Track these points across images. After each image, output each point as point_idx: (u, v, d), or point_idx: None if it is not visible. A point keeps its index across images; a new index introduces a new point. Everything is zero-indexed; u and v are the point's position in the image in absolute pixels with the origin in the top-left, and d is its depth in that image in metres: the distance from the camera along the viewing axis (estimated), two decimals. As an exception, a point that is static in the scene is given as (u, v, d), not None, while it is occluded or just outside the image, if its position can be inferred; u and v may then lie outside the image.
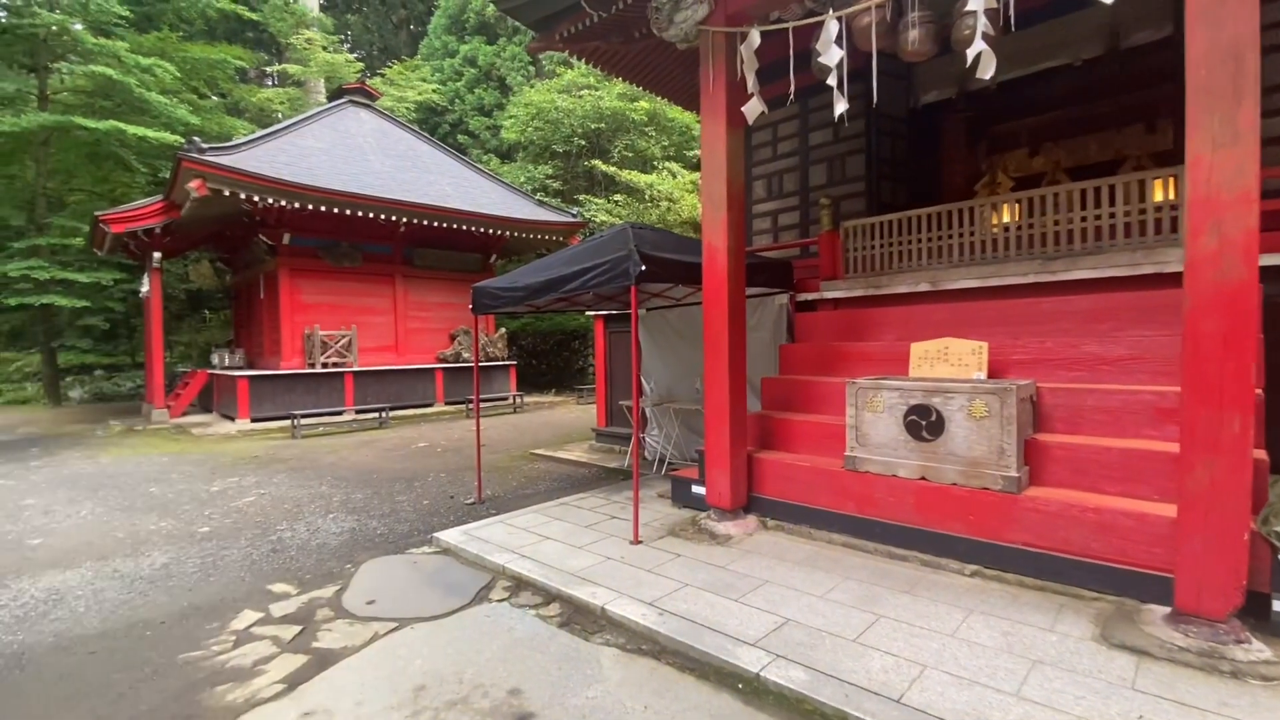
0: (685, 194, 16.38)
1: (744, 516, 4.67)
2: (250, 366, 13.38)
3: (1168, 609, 2.91)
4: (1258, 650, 2.68)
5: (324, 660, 3.05)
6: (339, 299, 13.25)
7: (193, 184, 9.89)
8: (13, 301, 14.63)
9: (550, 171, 19.30)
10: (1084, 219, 4.55)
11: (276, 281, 12.51)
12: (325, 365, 12.49)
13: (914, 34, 3.76)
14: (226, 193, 10.15)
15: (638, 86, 8.48)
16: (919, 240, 5.35)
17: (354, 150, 13.84)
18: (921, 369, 4.47)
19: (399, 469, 7.67)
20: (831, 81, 3.78)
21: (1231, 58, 2.70)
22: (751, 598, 3.46)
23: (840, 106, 3.76)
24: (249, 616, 3.56)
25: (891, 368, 4.78)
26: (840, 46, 3.76)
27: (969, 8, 3.31)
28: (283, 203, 10.81)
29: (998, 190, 8.53)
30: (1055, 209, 4.68)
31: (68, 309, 15.29)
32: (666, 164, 17.42)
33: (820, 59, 3.80)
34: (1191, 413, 2.77)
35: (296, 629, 3.39)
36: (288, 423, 11.01)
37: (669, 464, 6.85)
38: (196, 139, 10.43)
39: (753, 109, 4.24)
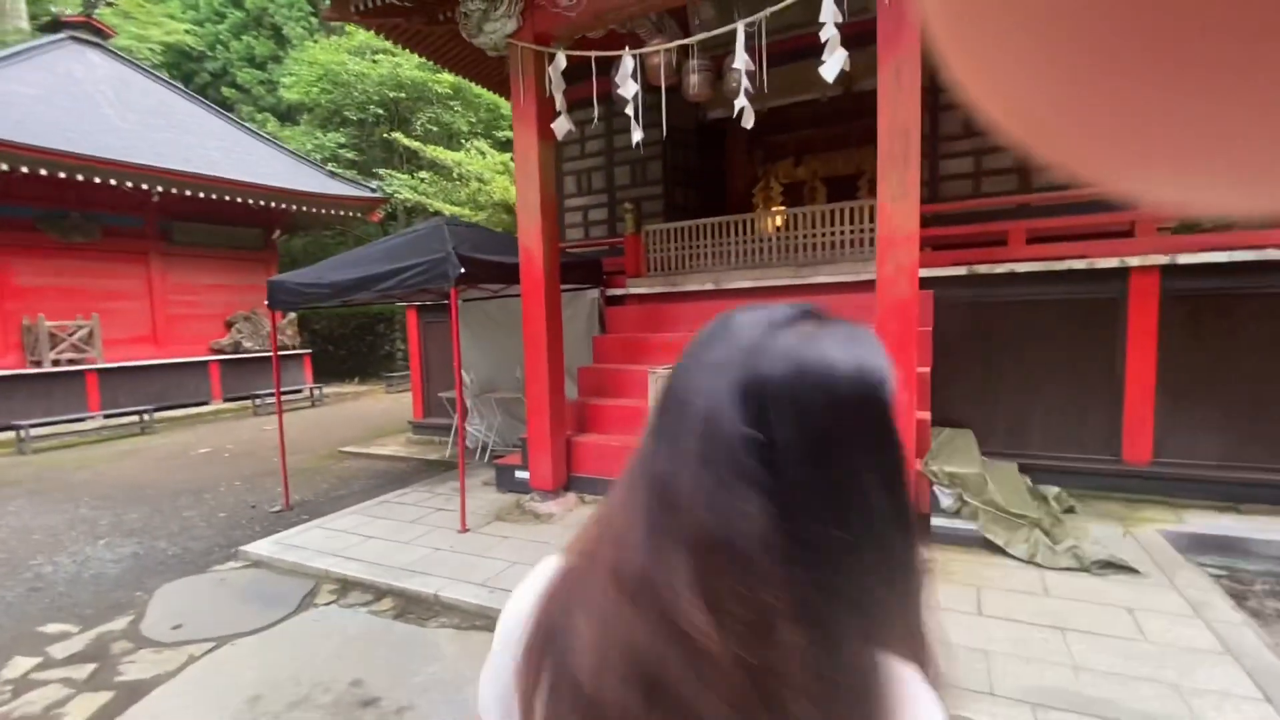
0: (496, 175, 16.18)
1: (565, 495, 5.18)
2: (-62, 367, 10.54)
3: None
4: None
5: (134, 692, 2.91)
6: (71, 281, 10.97)
7: None
8: None
9: (343, 140, 17.67)
10: (822, 235, 5.74)
11: (-26, 260, 9.99)
12: (57, 362, 10.35)
13: (694, 79, 4.45)
14: (-111, 147, 7.86)
15: (441, 68, 8.32)
16: (705, 245, 6.24)
17: (82, 100, 11.40)
18: (708, 357, 5.31)
19: (180, 480, 6.86)
20: (629, 111, 4.32)
21: (902, 134, 3.74)
22: (572, 566, 3.97)
23: (636, 135, 4.32)
24: (22, 664, 3.19)
25: (685, 356, 5.59)
26: (635, 80, 4.31)
27: (735, 65, 4.04)
28: (-19, 163, 8.66)
29: (770, 194, 10.00)
30: (804, 226, 5.82)
31: None
32: (475, 142, 16.99)
33: (619, 90, 4.31)
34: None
35: (91, 666, 3.14)
36: (9, 435, 9.01)
37: (492, 452, 7.11)
38: None
39: (560, 127, 4.63)
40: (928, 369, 4.67)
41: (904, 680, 0.45)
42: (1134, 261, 4.59)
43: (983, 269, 5.08)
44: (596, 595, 0.46)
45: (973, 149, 6.31)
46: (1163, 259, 4.53)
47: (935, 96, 6.48)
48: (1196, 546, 4.03)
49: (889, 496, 0.44)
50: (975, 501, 3.96)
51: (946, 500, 4.05)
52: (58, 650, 3.32)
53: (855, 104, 8.57)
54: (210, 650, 3.27)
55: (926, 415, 4.40)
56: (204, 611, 3.72)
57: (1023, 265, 4.97)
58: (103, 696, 2.88)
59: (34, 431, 8.94)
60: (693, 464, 0.44)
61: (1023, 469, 4.76)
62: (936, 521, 4.08)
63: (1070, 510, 4.53)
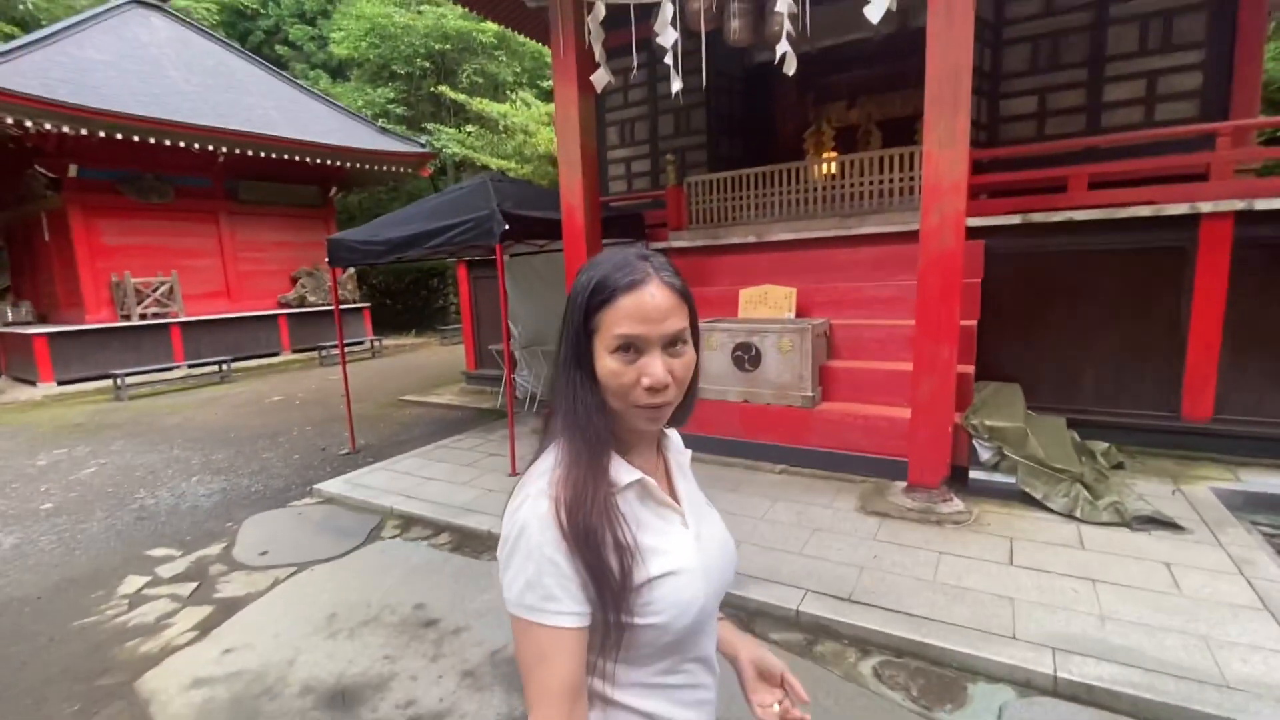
0: (541, 126, 16.10)
1: (607, 443, 5.39)
2: (43, 321, 11.60)
3: (904, 483, 4.08)
4: (956, 505, 3.89)
5: (231, 607, 3.33)
6: (151, 239, 11.73)
7: (-64, 105, 8.15)
8: None
9: (392, 95, 17.86)
10: (870, 183, 5.57)
11: (66, 221, 10.78)
12: (144, 316, 11.20)
13: (735, 23, 4.33)
14: (-14, 117, 8.49)
15: (481, 16, 8.24)
16: (748, 196, 6.15)
17: (149, 64, 11.90)
18: (748, 311, 5.34)
19: (258, 425, 7.46)
20: (668, 60, 4.26)
21: (953, 76, 3.58)
22: (614, 509, 4.20)
23: (676, 85, 4.26)
24: (135, 582, 3.67)
25: (726, 310, 5.63)
26: (675, 28, 4.22)
27: (777, 9, 3.91)
28: (65, 128, 9.25)
29: (822, 139, 9.63)
30: (852, 174, 5.65)
31: None
32: (520, 93, 16.88)
33: (658, 39, 4.24)
34: (919, 343, 3.83)
35: (193, 585, 3.59)
36: (107, 383, 9.93)
37: (540, 401, 7.40)
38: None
39: (600, 79, 4.60)
40: (974, 322, 4.58)
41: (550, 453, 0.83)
42: (1206, 207, 4.30)
43: (1038, 217, 4.86)
44: None
45: (1037, 87, 5.93)
46: (1239, 204, 4.23)
47: (999, 31, 6.08)
48: (1252, 505, 3.92)
49: (567, 343, 0.82)
50: (1015, 455, 3.93)
51: (985, 454, 4.04)
52: (164, 570, 3.79)
53: (911, 42, 8.08)
54: (293, 574, 3.67)
55: (970, 369, 4.34)
56: (285, 540, 4.15)
57: (1082, 213, 4.73)
58: (204, 610, 3.32)
59: (128, 380, 9.80)
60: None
61: (1073, 424, 4.66)
62: (974, 474, 4.09)
63: (1119, 466, 4.44)
